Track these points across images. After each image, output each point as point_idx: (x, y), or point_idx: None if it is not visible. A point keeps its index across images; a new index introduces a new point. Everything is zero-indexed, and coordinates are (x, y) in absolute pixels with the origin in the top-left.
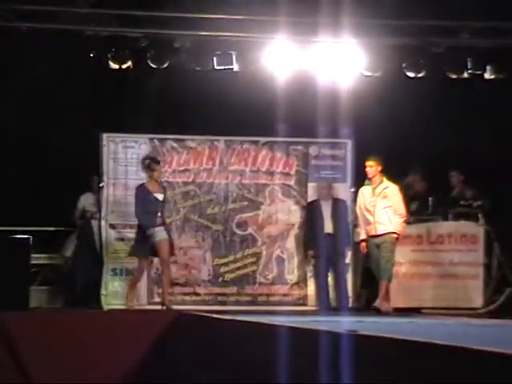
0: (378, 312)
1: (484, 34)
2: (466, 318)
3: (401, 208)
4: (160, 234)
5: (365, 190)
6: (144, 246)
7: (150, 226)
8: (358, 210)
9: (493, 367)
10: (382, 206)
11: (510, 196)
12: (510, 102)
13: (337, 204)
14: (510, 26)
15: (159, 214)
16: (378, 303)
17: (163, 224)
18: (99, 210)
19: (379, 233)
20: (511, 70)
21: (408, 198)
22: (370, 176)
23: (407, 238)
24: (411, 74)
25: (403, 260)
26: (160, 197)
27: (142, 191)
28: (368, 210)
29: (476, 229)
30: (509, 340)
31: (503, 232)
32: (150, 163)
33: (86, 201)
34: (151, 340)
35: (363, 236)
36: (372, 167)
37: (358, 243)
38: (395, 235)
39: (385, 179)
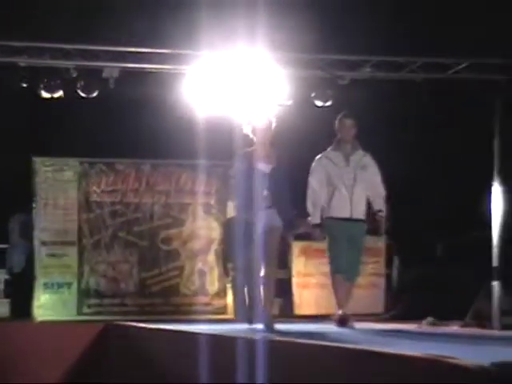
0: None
1: (383, 67)
2: (370, 322)
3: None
4: (263, 221)
5: (334, 158)
6: (246, 239)
7: (251, 209)
8: (316, 184)
9: (395, 367)
10: (361, 181)
11: (407, 213)
12: (415, 122)
13: None
14: (406, 61)
15: (265, 193)
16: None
17: (271, 206)
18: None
19: (356, 217)
20: (410, 98)
21: None
22: (347, 138)
23: (318, 252)
24: (319, 103)
25: (315, 271)
26: (267, 169)
27: (243, 161)
28: (343, 184)
29: (379, 243)
30: (407, 341)
31: (402, 246)
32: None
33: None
34: (81, 350)
35: (318, 220)
36: (353, 127)
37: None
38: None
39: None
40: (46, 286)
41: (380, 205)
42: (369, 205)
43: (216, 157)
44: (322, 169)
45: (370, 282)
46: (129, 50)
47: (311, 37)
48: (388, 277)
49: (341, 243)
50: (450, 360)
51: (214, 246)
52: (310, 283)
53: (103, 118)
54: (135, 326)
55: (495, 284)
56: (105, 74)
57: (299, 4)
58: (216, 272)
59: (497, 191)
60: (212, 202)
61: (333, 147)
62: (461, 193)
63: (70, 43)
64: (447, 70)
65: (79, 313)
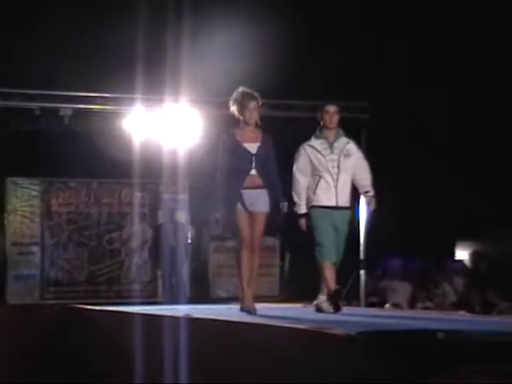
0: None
1: (279, 107)
2: (268, 303)
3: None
4: (251, 198)
5: (317, 145)
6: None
7: (238, 187)
8: (299, 173)
9: (286, 339)
10: (345, 168)
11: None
12: None
13: (177, 225)
14: (297, 103)
15: (253, 172)
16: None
17: (260, 186)
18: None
19: (341, 205)
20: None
21: None
22: (330, 126)
23: (228, 249)
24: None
25: (225, 264)
26: (253, 148)
27: (229, 141)
28: (328, 172)
29: (274, 242)
30: (297, 316)
31: (292, 244)
32: (243, 98)
33: None
34: (43, 327)
35: (304, 210)
36: (336, 114)
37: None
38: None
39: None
40: (15, 277)
41: (367, 187)
42: (355, 189)
43: (148, 176)
44: (305, 158)
45: (268, 272)
46: (80, 94)
47: (220, 84)
48: (281, 268)
49: (327, 232)
50: (327, 330)
51: (148, 245)
52: (222, 273)
53: (60, 147)
54: (86, 308)
55: (362, 272)
56: (61, 113)
57: (211, 57)
58: (149, 265)
59: (363, 202)
60: (146, 211)
61: (316, 135)
62: None
63: (34, 89)
64: None
65: (42, 298)
